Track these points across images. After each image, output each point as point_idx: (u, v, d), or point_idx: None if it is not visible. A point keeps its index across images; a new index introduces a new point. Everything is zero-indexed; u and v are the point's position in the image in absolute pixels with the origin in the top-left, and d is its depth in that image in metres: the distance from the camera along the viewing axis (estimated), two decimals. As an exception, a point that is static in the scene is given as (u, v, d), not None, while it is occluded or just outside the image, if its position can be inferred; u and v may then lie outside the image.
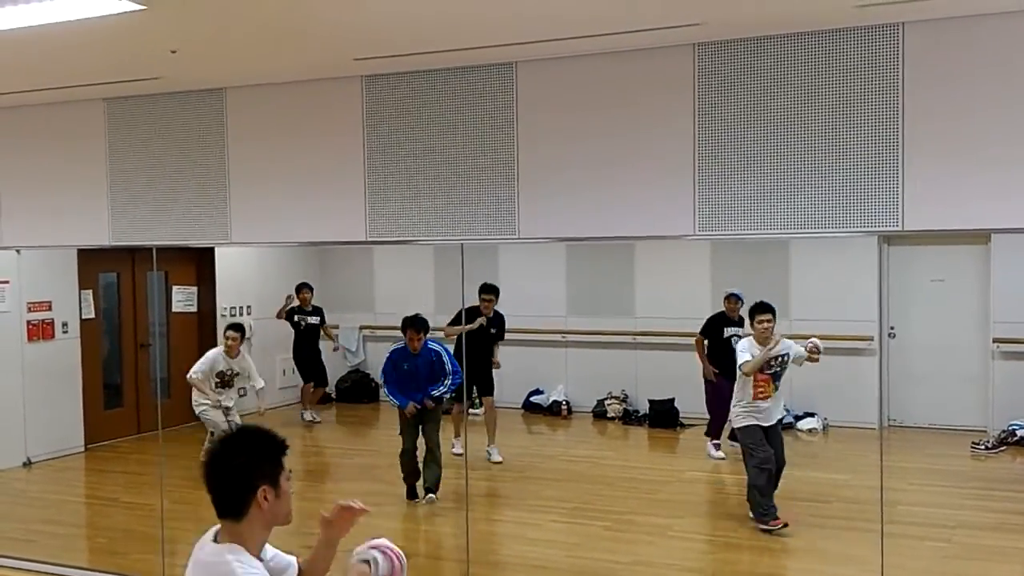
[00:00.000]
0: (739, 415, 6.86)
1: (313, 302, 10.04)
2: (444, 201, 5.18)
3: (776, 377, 6.82)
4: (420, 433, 7.66)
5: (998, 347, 8.77)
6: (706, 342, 8.45)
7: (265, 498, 2.57)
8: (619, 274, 10.11)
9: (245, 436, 2.67)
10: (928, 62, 4.30)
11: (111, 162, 6.06)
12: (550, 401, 10.50)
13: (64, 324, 8.80)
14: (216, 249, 9.32)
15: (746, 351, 6.83)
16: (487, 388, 8.84)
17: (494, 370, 8.92)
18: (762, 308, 6.80)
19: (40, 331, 8.57)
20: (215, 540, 2.63)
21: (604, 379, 10.12)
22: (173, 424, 8.79)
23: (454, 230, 5.18)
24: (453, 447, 8.42)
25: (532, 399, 10.72)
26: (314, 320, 10.02)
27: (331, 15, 4.15)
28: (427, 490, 7.57)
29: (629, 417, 10.29)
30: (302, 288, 10.01)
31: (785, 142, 4.53)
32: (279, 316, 9.89)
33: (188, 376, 8.34)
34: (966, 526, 6.81)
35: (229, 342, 8.40)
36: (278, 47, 4.76)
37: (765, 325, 6.73)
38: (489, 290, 8.77)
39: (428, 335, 7.76)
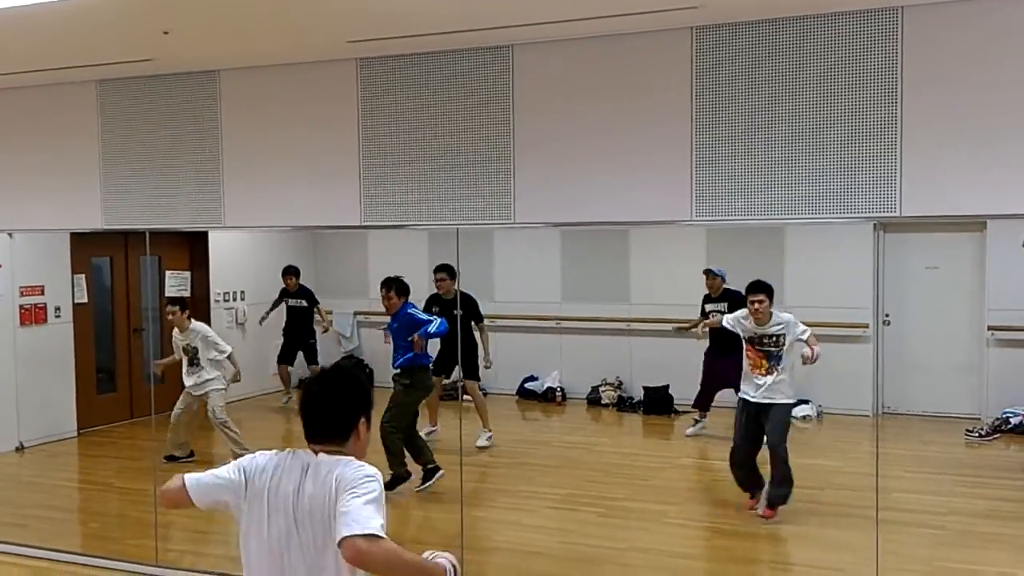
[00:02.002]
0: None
1: (305, 284, 9.98)
2: (439, 185, 5.15)
3: (770, 356, 6.67)
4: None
5: (993, 335, 8.78)
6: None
7: (361, 429, 2.89)
8: (614, 260, 10.09)
9: (347, 372, 2.97)
10: (927, 47, 4.27)
11: (104, 145, 6.02)
12: (544, 387, 10.50)
13: (57, 308, 8.76)
14: (210, 233, 9.30)
15: (731, 320, 6.88)
16: (471, 372, 8.70)
17: (485, 368, 8.79)
18: (754, 287, 6.69)
19: (33, 315, 8.53)
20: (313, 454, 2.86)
21: (598, 365, 10.10)
22: (166, 409, 8.76)
23: (449, 215, 5.15)
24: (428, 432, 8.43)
25: (526, 385, 10.71)
26: (298, 303, 9.96)
27: (326, -4, 4.12)
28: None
29: (623, 404, 10.30)
30: (287, 272, 9.96)
31: (782, 127, 4.51)
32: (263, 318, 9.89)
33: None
34: (959, 513, 6.83)
35: (169, 317, 8.28)
36: (272, 28, 4.72)
37: (756, 306, 6.62)
38: (441, 269, 8.51)
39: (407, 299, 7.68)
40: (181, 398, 8.25)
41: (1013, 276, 8.70)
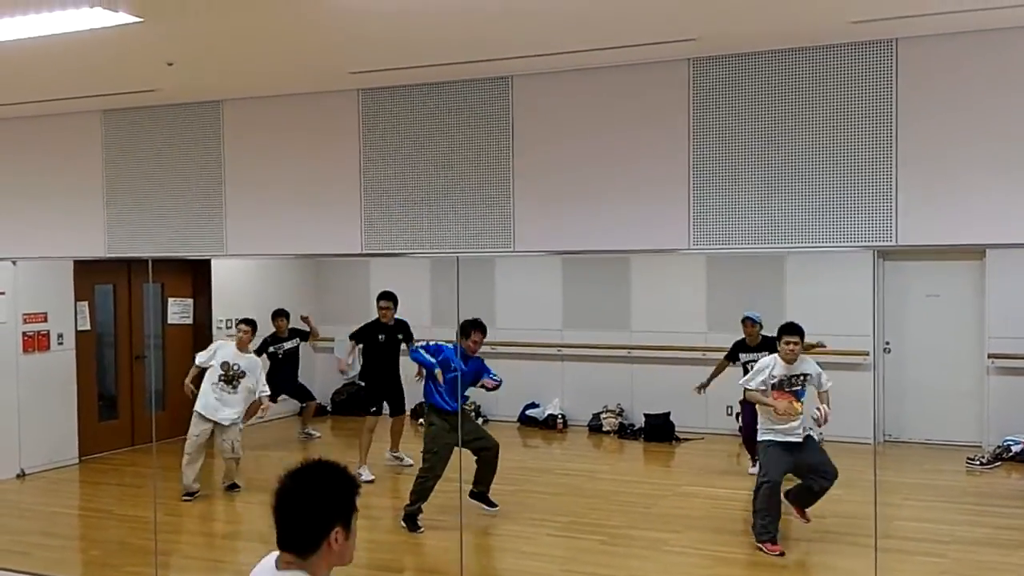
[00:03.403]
0: (763, 430, 6.79)
1: (306, 313, 9.84)
2: (440, 214, 5.19)
3: (797, 395, 6.74)
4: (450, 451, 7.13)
5: (993, 362, 8.78)
6: (730, 365, 8.26)
7: (336, 539, 2.49)
8: (615, 288, 10.12)
9: (323, 472, 2.56)
10: (922, 78, 4.32)
11: (107, 173, 6.06)
12: (546, 415, 10.50)
13: (59, 336, 8.80)
14: (212, 261, 9.35)
15: (763, 370, 6.77)
16: (398, 406, 8.74)
17: None
18: (789, 329, 6.75)
19: (35, 343, 8.56)
20: (276, 567, 2.54)
21: (600, 393, 10.11)
22: (167, 436, 8.77)
23: (450, 243, 5.19)
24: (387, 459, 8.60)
25: (528, 412, 10.72)
26: (291, 345, 9.76)
27: (327, 28, 4.17)
28: (489, 501, 7.40)
29: (625, 431, 10.30)
30: (278, 315, 9.72)
31: (779, 156, 4.54)
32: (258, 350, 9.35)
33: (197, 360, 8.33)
34: (960, 541, 6.81)
35: (241, 335, 8.30)
36: (274, 60, 4.77)
37: (792, 347, 6.68)
38: (385, 296, 8.65)
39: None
40: (202, 426, 8.10)
41: (1013, 304, 8.73)
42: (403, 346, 8.63)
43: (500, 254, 5.16)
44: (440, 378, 7.23)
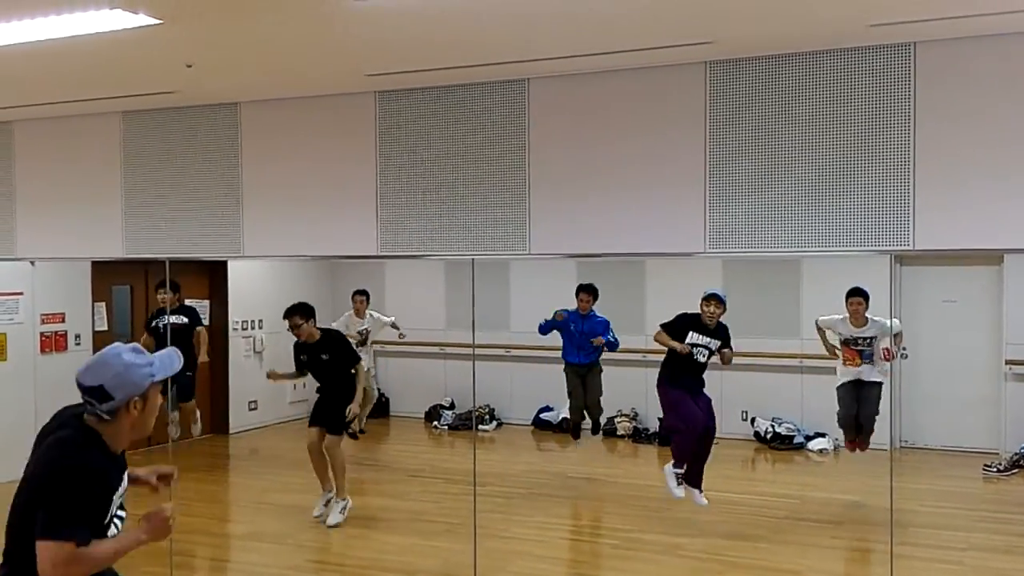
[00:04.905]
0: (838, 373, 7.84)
1: (189, 303, 8.92)
2: (455, 216, 5.20)
3: (863, 354, 7.65)
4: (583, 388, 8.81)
5: (1011, 369, 8.73)
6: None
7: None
8: (630, 291, 10.11)
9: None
10: (940, 82, 4.30)
11: (126, 175, 6.10)
12: (560, 418, 10.49)
13: (77, 336, 8.85)
14: (229, 262, 9.39)
15: (833, 323, 7.77)
16: (336, 425, 7.42)
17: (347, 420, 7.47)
18: (853, 292, 7.58)
19: (53, 343, 8.61)
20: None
21: (614, 397, 10.09)
22: (184, 437, 8.81)
23: (465, 245, 5.19)
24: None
25: (542, 416, 10.73)
26: (177, 320, 8.53)
27: (344, 31, 4.19)
28: (593, 428, 9.03)
29: (639, 435, 10.28)
30: (160, 287, 8.55)
31: (796, 160, 4.53)
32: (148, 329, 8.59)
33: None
34: (977, 548, 6.76)
35: (357, 304, 9.74)
36: (292, 62, 4.80)
37: (855, 307, 7.56)
38: (294, 310, 7.40)
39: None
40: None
41: (1031, 310, 8.68)
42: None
43: (515, 257, 5.17)
44: (558, 317, 8.55)
